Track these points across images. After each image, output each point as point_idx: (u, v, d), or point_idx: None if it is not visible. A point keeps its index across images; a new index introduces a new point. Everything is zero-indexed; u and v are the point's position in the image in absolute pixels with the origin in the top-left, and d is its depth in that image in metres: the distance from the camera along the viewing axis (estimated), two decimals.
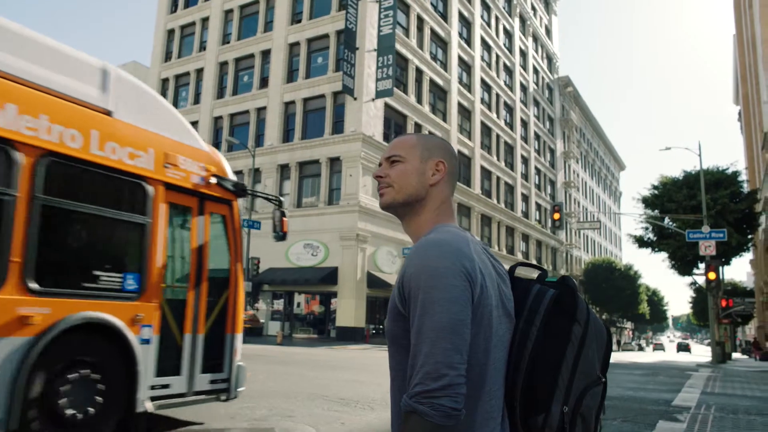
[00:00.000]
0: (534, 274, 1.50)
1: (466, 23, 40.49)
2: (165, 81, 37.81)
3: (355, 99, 28.50)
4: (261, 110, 32.46)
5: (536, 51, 55.27)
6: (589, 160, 72.96)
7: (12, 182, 4.33)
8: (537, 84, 54.50)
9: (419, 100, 33.48)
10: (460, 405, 1.17)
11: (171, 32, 38.34)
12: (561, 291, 1.40)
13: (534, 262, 48.72)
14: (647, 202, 32.01)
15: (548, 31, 60.24)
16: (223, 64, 35.00)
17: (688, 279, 36.10)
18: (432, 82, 34.96)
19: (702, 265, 26.77)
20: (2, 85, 4.39)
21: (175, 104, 36.69)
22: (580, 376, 1.33)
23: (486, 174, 41.45)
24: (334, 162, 29.00)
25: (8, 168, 4.33)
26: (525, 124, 50.10)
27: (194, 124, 35.11)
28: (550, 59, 59.64)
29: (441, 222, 1.44)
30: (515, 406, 1.34)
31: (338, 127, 29.44)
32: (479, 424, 1.29)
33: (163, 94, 37.51)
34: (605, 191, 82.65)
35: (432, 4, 35.88)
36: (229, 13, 35.58)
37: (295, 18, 32.56)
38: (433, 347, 1.19)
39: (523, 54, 51.56)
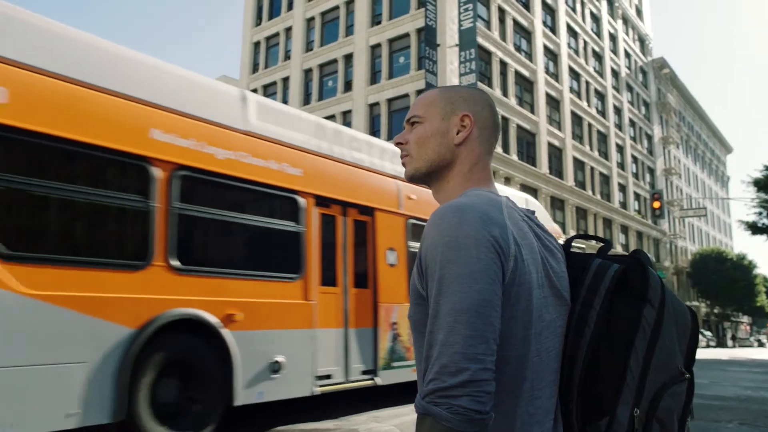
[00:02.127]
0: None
1: (549, 11, 39.18)
2: (254, 92, 39.00)
3: None
4: (347, 114, 32.83)
5: (627, 33, 52.68)
6: (691, 145, 68.72)
7: None
8: (629, 68, 51.93)
9: (505, 93, 32.70)
10: (486, 406, 0.93)
11: (257, 44, 39.60)
12: (627, 265, 1.14)
13: None
14: (760, 184, 29.69)
15: (639, 12, 57.28)
16: (308, 71, 35.74)
17: None
18: (517, 73, 34.05)
19: None
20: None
21: None
22: (655, 370, 1.07)
23: (579, 165, 39.91)
24: None
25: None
26: (618, 110, 47.85)
27: None
28: (642, 41, 56.69)
29: (473, 186, 1.20)
30: (571, 408, 1.09)
31: None
32: (520, 430, 1.05)
33: None
34: (710, 176, 77.54)
35: None
36: (310, 21, 36.30)
37: (375, 20, 32.72)
38: (450, 334, 0.96)
39: (613, 38, 49.29)
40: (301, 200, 6.44)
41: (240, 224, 6.01)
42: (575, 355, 1.09)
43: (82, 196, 4.62)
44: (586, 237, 1.37)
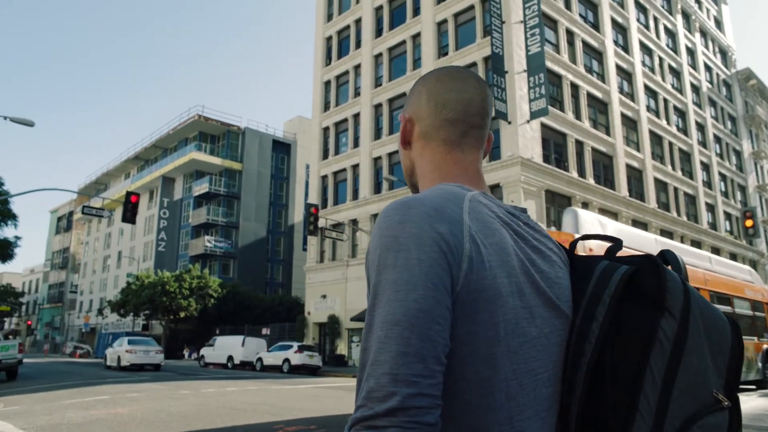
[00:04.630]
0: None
1: (620, 29, 38.22)
2: (326, 129, 40.00)
3: (510, 123, 27.89)
4: None
5: (706, 47, 50.56)
6: None
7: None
8: (711, 82, 49.67)
9: (578, 116, 31.95)
10: None
11: (327, 83, 40.68)
12: (639, 267, 0.93)
13: None
14: None
15: (718, 23, 54.95)
16: (378, 106, 36.26)
17: None
18: (590, 95, 33.26)
19: None
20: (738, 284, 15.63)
21: (336, 150, 38.65)
22: (680, 396, 0.85)
23: (661, 186, 38.22)
24: (494, 189, 28.45)
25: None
26: (701, 127, 45.70)
27: (355, 167, 36.61)
28: (724, 53, 54.22)
29: (441, 182, 1.04)
30: None
31: (495, 154, 28.94)
32: None
33: (325, 141, 39.71)
34: None
35: (581, 15, 34.38)
36: (378, 57, 36.98)
37: (442, 52, 32.93)
38: (379, 352, 0.79)
39: (691, 52, 47.41)
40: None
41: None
42: (574, 378, 0.91)
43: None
44: (595, 237, 1.17)
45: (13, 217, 27.99)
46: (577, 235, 7.82)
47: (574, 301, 0.97)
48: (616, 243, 1.04)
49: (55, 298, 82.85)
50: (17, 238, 28.67)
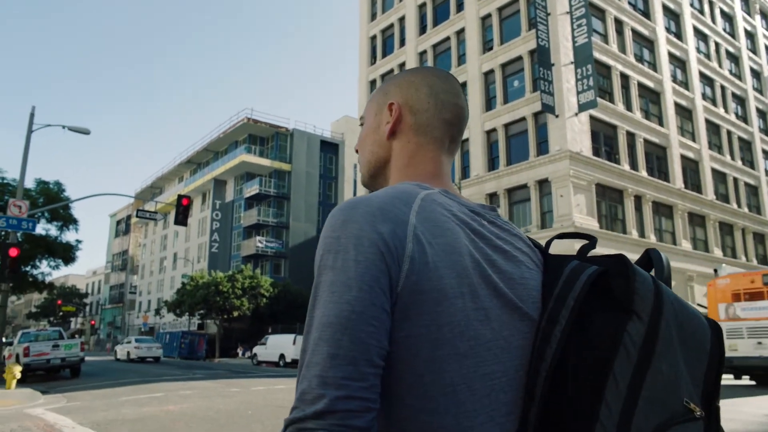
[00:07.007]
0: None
1: (673, 16, 36.95)
2: None
3: (557, 116, 27.37)
4: (464, 142, 32.69)
5: (767, 29, 48.36)
6: None
7: None
8: None
9: (628, 107, 31.08)
10: None
11: (373, 82, 40.81)
12: (608, 268, 0.89)
13: None
14: None
15: None
16: None
17: None
18: (641, 85, 32.30)
19: None
20: None
21: None
22: (646, 406, 0.79)
23: (720, 177, 36.79)
24: (543, 184, 28.00)
25: None
26: (763, 114, 43.74)
27: None
28: None
29: (406, 181, 0.99)
30: None
31: (543, 148, 28.47)
32: None
33: None
34: None
35: (630, 3, 33.40)
36: (423, 54, 36.87)
37: (487, 46, 32.59)
38: (313, 353, 0.78)
39: (750, 36, 45.42)
40: None
41: None
42: (534, 385, 0.86)
43: None
44: (571, 236, 1.11)
45: (74, 221, 29.05)
46: None
47: (543, 303, 0.92)
48: (590, 241, 0.99)
49: (116, 299, 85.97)
50: (78, 241, 29.73)
